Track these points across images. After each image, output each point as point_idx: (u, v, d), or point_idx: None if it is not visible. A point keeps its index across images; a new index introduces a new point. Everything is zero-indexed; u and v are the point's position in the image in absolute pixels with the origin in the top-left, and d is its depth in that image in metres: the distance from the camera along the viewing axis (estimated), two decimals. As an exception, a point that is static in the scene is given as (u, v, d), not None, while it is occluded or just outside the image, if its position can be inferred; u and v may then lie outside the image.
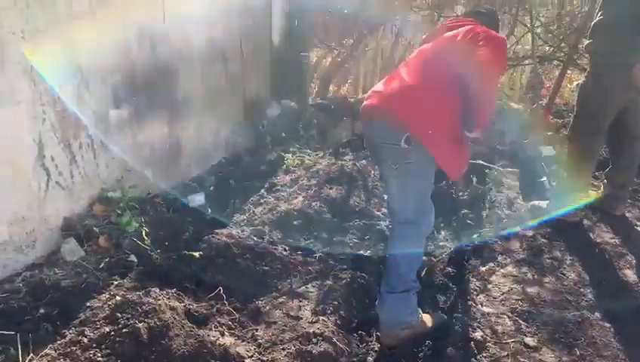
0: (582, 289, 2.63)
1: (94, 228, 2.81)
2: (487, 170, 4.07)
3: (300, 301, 2.50)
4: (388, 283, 2.39)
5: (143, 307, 2.04)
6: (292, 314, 2.40)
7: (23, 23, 2.53)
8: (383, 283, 2.41)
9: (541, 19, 4.95)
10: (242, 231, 2.96)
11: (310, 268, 2.75)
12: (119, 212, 2.88)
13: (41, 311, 2.24)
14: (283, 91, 5.25)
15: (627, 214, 3.41)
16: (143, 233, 2.70)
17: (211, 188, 3.82)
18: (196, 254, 2.60)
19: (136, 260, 2.62)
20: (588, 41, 3.18)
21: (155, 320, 1.99)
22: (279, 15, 5.10)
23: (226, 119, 4.49)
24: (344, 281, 2.66)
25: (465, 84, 2.22)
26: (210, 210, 3.38)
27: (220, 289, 2.42)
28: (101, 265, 2.61)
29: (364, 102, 2.43)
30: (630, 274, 2.78)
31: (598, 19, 3.07)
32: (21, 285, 2.44)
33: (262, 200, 3.42)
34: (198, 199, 3.52)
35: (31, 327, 2.11)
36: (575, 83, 4.92)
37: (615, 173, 3.37)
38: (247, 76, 4.73)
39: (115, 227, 2.84)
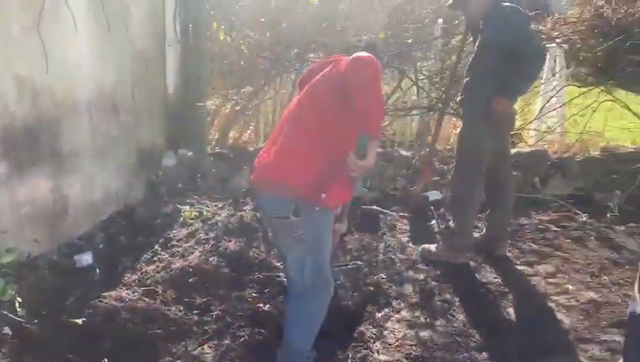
0: (470, 331, 2.77)
1: (-39, 300, 2.54)
2: (381, 215, 4.23)
3: (196, 364, 2.40)
4: (284, 353, 2.39)
5: (16, 388, 1.85)
6: (186, 379, 2.29)
7: None
8: (280, 352, 2.40)
9: (424, 72, 5.31)
10: (133, 293, 2.81)
11: (207, 327, 2.66)
12: (-8, 279, 2.62)
13: None
14: (180, 140, 5.15)
15: (508, 254, 3.66)
16: (17, 303, 2.47)
17: (101, 245, 3.61)
18: (79, 321, 2.41)
19: (10, 332, 2.39)
20: (460, 98, 3.55)
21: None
22: (174, 63, 5.06)
23: (118, 171, 4.31)
24: (242, 339, 2.60)
25: (348, 99, 2.10)
26: (98, 271, 3.19)
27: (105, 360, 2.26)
28: (-32, 341, 2.35)
29: (254, 172, 2.36)
30: (512, 313, 2.97)
31: (466, 79, 3.43)
32: None
33: (155, 258, 3.29)
34: (85, 259, 3.31)
35: None
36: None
37: (494, 215, 3.63)
38: (140, 126, 4.60)
39: (-14, 296, 2.58)
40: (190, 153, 5.05)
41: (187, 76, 5.14)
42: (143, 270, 3.14)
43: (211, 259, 3.17)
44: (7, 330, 2.39)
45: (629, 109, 4.85)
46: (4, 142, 3.06)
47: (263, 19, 5.43)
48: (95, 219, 4.02)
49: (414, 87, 5.34)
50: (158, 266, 3.15)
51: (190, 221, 3.91)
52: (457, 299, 3.08)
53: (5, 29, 2.99)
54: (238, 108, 5.55)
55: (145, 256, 3.35)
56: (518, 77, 3.17)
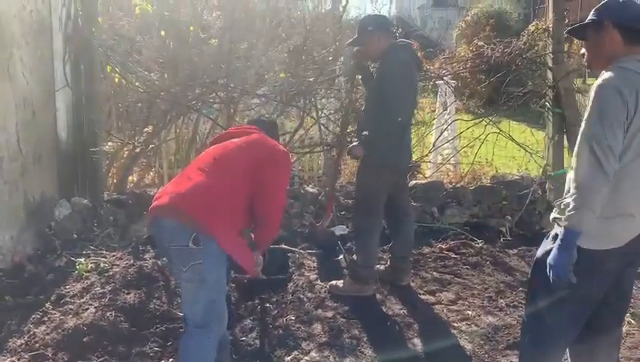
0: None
1: None
2: (289, 254, 4.21)
3: None
4: None
5: None
6: None
7: None
8: None
9: (325, 111, 5.45)
10: (19, 359, 2.57)
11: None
12: None
13: None
14: (74, 189, 4.88)
15: (412, 283, 3.77)
16: None
17: (-17, 309, 3.28)
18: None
19: None
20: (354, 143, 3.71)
21: None
22: (65, 108, 4.81)
23: (4, 225, 3.98)
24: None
25: (254, 203, 2.41)
26: (-21, 338, 2.88)
27: None
28: None
29: (153, 203, 2.37)
30: (418, 344, 3.04)
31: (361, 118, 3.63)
32: None
33: (45, 318, 3.03)
34: (-37, 326, 2.99)
35: None
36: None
37: (395, 247, 3.75)
38: (28, 175, 4.30)
39: None
40: (85, 201, 4.78)
41: (80, 121, 4.91)
42: (31, 332, 2.88)
43: (108, 314, 2.98)
44: None
45: (512, 139, 5.26)
46: None
47: (161, 60, 5.34)
48: (-24, 280, 3.66)
49: (316, 125, 5.45)
50: (48, 327, 2.91)
51: (86, 274, 3.67)
52: (365, 335, 3.10)
53: None
54: (137, 150, 5.36)
55: (34, 316, 3.08)
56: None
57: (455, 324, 3.24)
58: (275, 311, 3.31)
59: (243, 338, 3.05)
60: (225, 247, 2.27)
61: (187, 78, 5.22)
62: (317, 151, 5.60)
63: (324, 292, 3.58)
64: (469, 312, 3.38)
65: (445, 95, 6.19)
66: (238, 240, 2.38)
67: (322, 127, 5.22)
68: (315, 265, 4.03)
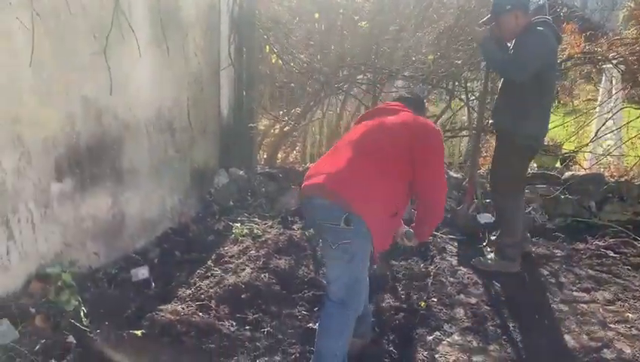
0: (525, 357, 2.69)
1: (30, 308, 2.68)
2: (430, 238, 4.19)
3: (248, 379, 2.44)
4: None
5: (81, 394, 1.94)
6: (239, 394, 2.33)
7: (-35, 96, 2.49)
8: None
9: (475, 93, 5.27)
10: (188, 307, 2.89)
11: (258, 343, 2.70)
12: (57, 289, 2.75)
13: (-33, 402, 2.08)
14: (231, 160, 5.29)
15: (563, 279, 3.55)
16: (82, 312, 2.57)
17: (156, 260, 3.72)
18: (138, 333, 2.50)
19: (74, 341, 2.49)
20: (491, 121, 3.70)
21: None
22: (227, 87, 5.22)
23: (173, 189, 4.46)
24: (293, 357, 2.62)
25: (415, 185, 2.39)
26: (154, 285, 3.29)
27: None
28: (36, 348, 2.47)
29: (306, 181, 2.43)
30: (569, 340, 2.88)
31: (496, 102, 3.56)
32: (-55, 373, 2.27)
33: (208, 273, 3.37)
34: (141, 273, 3.42)
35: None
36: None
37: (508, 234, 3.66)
38: (194, 146, 4.75)
39: (53, 306, 2.71)
40: (241, 172, 5.17)
41: (239, 98, 5.29)
42: (197, 285, 3.22)
43: (262, 276, 3.23)
44: (71, 339, 2.50)
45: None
46: (70, 160, 3.23)
47: (312, 42, 5.56)
48: (150, 235, 4.16)
49: (464, 108, 5.30)
50: (211, 281, 3.23)
51: (241, 238, 3.99)
52: (511, 325, 3.01)
53: (75, 53, 3.17)
54: (286, 129, 5.66)
55: (199, 271, 3.43)
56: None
57: (612, 326, 3.01)
58: (417, 292, 3.32)
59: (386, 314, 3.12)
60: (370, 228, 2.27)
61: (337, 59, 5.39)
62: (462, 136, 5.44)
63: (467, 278, 3.52)
64: (629, 315, 3.11)
65: (611, 81, 5.65)
66: (385, 225, 2.38)
67: (471, 110, 5.05)
68: (456, 250, 3.97)
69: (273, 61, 5.62)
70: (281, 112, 5.85)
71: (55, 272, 2.92)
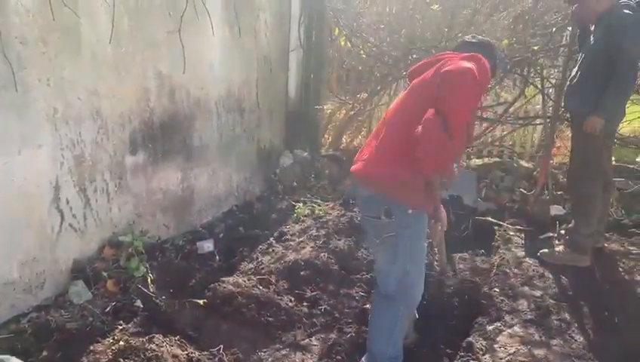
0: (590, 354, 2.57)
1: (103, 272, 2.84)
2: (495, 227, 4.07)
3: (303, 354, 2.49)
4: (367, 358, 2.37)
5: (146, 353, 2.05)
6: (294, 367, 2.38)
7: (50, 70, 2.66)
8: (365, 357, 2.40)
9: (552, 80, 5.02)
10: (249, 280, 2.97)
11: (315, 320, 2.74)
12: (128, 256, 2.90)
13: (44, 353, 2.24)
14: (296, 141, 5.35)
15: (638, 277, 3.35)
16: (149, 279, 2.71)
17: (221, 235, 3.85)
18: (201, 302, 2.60)
19: (141, 305, 2.63)
20: (568, 100, 3.49)
21: (157, 367, 1.99)
22: (295, 68, 5.26)
23: (240, 167, 4.57)
24: (349, 336, 2.64)
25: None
26: (218, 258, 3.40)
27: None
28: (107, 309, 2.63)
29: (353, 167, 2.28)
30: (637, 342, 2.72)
31: (575, 81, 3.35)
32: (27, 326, 2.46)
33: (270, 249, 3.44)
34: (207, 246, 3.55)
35: (32, 370, 2.12)
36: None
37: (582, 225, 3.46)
38: (261, 126, 4.84)
39: (123, 271, 2.87)
40: (305, 154, 5.22)
41: (307, 80, 5.32)
42: (259, 260, 3.30)
43: (322, 254, 3.25)
44: (138, 303, 2.64)
45: None
46: (143, 135, 3.38)
47: (382, 26, 5.48)
48: (217, 211, 4.30)
49: (538, 96, 5.07)
50: (272, 257, 3.30)
51: (303, 217, 4.05)
52: (577, 321, 2.87)
53: (151, 31, 3.30)
54: (352, 113, 5.63)
55: (261, 247, 3.52)
56: (610, 92, 3.06)
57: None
58: (479, 282, 3.24)
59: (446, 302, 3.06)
60: (421, 209, 2.11)
61: (407, 43, 5.29)
62: (536, 124, 5.20)
63: (533, 270, 3.39)
64: None
65: None
66: (426, 195, 2.10)
67: (546, 97, 4.81)
68: (523, 242, 3.83)
69: (342, 44, 5.60)
70: (347, 96, 5.82)
71: (127, 240, 3.09)
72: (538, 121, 5.17)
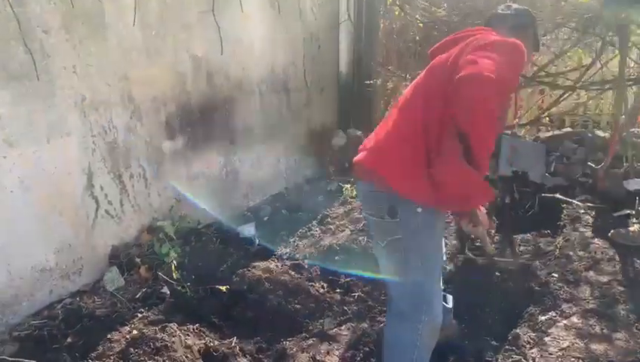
0: (661, 351, 2.21)
1: (136, 258, 2.85)
2: (564, 205, 3.67)
3: (330, 344, 2.34)
4: None
5: (156, 343, 1.99)
6: (318, 358, 2.24)
7: (75, 58, 2.66)
8: None
9: (633, 39, 4.43)
10: (282, 265, 2.86)
11: (346, 308, 2.58)
12: (160, 241, 2.89)
13: (69, 340, 2.26)
14: (350, 120, 5.16)
15: None
16: (173, 265, 2.66)
17: (265, 218, 3.77)
18: (223, 288, 2.52)
19: (168, 292, 2.60)
20: None
21: (165, 358, 1.93)
22: (346, 43, 5.05)
23: (288, 149, 4.47)
24: (381, 325, 2.45)
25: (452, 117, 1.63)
26: (257, 242, 3.32)
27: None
28: (137, 295, 2.62)
29: (356, 156, 1.93)
30: None
31: None
32: (59, 312, 2.50)
33: (309, 233, 3.32)
34: (248, 230, 3.49)
35: (52, 357, 2.13)
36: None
37: None
38: (311, 106, 4.70)
39: (156, 257, 2.86)
40: (359, 132, 5.01)
41: (359, 55, 5.09)
42: (296, 244, 3.18)
43: (360, 238, 3.07)
44: (165, 289, 2.61)
45: None
46: (181, 119, 3.35)
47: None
48: (264, 194, 4.23)
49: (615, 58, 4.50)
50: (309, 241, 3.17)
51: (350, 199, 3.88)
52: (651, 311, 2.49)
53: (183, 13, 3.23)
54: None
55: (301, 230, 3.40)
56: None
57: None
58: (537, 267, 2.92)
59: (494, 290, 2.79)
60: (434, 207, 1.74)
61: (467, 7, 4.89)
62: (610, 89, 4.63)
63: (601, 253, 3.00)
64: None
65: None
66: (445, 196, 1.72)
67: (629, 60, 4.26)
68: (593, 220, 3.41)
69: (397, 14, 5.28)
70: (407, 70, 5.51)
71: (165, 226, 3.08)
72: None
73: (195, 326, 2.27)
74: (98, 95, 2.81)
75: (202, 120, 3.53)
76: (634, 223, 3.21)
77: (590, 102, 5.00)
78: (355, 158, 1.90)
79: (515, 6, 2.03)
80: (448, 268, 2.93)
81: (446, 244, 2.97)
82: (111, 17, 2.82)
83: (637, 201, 3.51)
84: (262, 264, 2.83)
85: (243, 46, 3.79)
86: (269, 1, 3.94)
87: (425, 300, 1.82)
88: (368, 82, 4.89)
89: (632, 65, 4.52)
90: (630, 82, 4.44)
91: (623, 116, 3.92)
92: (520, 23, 1.91)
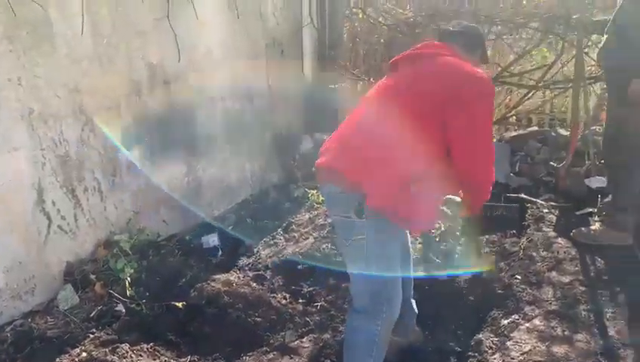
0: (620, 351, 2.21)
1: (91, 275, 2.75)
2: (528, 205, 3.68)
3: (291, 357, 2.30)
4: None
5: (106, 366, 1.91)
6: (278, 372, 2.18)
7: (20, 69, 2.55)
8: None
9: (592, 38, 4.48)
10: (243, 277, 2.80)
11: (308, 319, 2.54)
12: (115, 257, 2.80)
13: (16, 364, 2.16)
14: (316, 124, 5.11)
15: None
16: (127, 282, 2.58)
17: (230, 227, 3.69)
18: (179, 304, 2.45)
19: (123, 310, 2.51)
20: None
21: (114, 381, 1.85)
22: (311, 47, 5.00)
23: (253, 156, 4.40)
24: (343, 336, 2.40)
25: (452, 157, 1.86)
26: (220, 252, 3.25)
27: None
28: (92, 314, 2.53)
29: (318, 159, 2.00)
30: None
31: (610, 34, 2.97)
32: (9, 335, 2.39)
33: (272, 241, 3.26)
34: (211, 240, 3.41)
35: (-3, 384, 2.04)
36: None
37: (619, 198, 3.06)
38: (275, 111, 4.63)
39: (112, 273, 2.76)
40: (326, 136, 4.95)
41: (323, 59, 5.05)
42: (259, 254, 3.12)
43: (324, 246, 3.03)
44: (120, 307, 2.52)
45: None
46: (138, 129, 3.25)
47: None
48: (230, 202, 4.15)
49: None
50: (272, 250, 3.11)
51: (317, 205, 3.83)
52: (610, 311, 2.49)
53: (137, 19, 3.15)
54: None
55: (265, 239, 3.34)
56: None
57: None
58: (499, 268, 2.91)
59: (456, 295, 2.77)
60: (388, 212, 1.80)
61: (431, 9, 4.90)
62: (568, 88, 4.69)
63: (564, 252, 3.01)
64: None
65: None
66: (407, 201, 1.82)
67: (585, 57, 4.30)
68: (556, 219, 3.43)
69: (360, 16, 5.27)
70: (370, 73, 5.49)
71: (122, 240, 2.99)
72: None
73: (149, 346, 2.20)
74: (47, 107, 2.70)
75: (160, 129, 3.43)
76: (595, 221, 3.24)
77: (556, 100, 5.04)
78: (321, 161, 1.95)
79: (464, 23, 2.16)
80: (414, 271, 2.90)
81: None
82: (59, 26, 2.72)
83: (599, 199, 3.55)
84: (223, 276, 2.76)
85: (202, 52, 3.72)
86: (227, 6, 3.87)
87: (385, 298, 1.92)
88: (333, 86, 4.86)
89: (592, 63, 4.57)
90: (590, 80, 4.50)
91: (584, 114, 3.95)
92: (470, 42, 2.05)
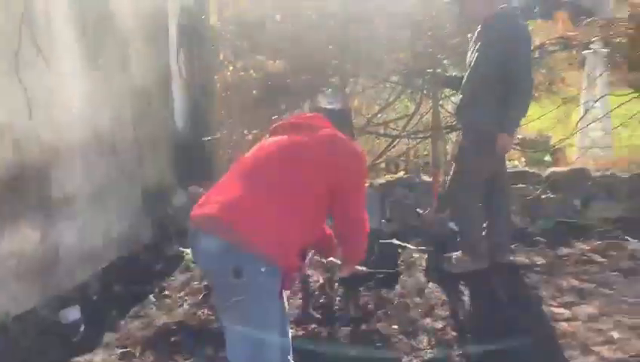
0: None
1: None
2: (400, 250, 3.83)
3: None
4: None
5: None
6: None
7: None
8: None
9: (446, 92, 4.89)
10: (109, 356, 2.53)
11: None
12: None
13: None
14: (191, 177, 4.94)
15: (543, 293, 3.17)
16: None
17: (94, 297, 3.38)
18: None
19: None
20: (459, 107, 3.44)
21: None
22: (181, 99, 4.88)
23: (121, 214, 4.11)
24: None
25: (334, 218, 2.04)
26: (82, 328, 2.94)
27: None
28: None
29: (196, 210, 1.89)
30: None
31: (467, 88, 3.30)
32: None
33: (142, 312, 3.02)
34: (72, 314, 3.08)
35: None
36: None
37: (492, 224, 3.48)
38: (144, 165, 4.41)
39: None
40: (201, 189, 4.81)
41: (195, 109, 4.95)
42: (127, 327, 2.86)
43: (200, 312, 2.87)
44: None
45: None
46: (-18, 193, 2.89)
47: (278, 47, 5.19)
48: (94, 268, 3.79)
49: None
50: (142, 322, 2.88)
51: (192, 265, 3.65)
52: (481, 352, 2.62)
53: (-23, 76, 2.83)
54: (250, 139, 5.29)
55: (134, 309, 3.09)
56: (514, 109, 3.10)
57: (594, 348, 2.61)
58: (378, 319, 2.95)
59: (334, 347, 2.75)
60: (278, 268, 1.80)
61: (300, 65, 5.02)
62: (427, 137, 5.06)
63: (435, 297, 3.15)
64: (615, 334, 2.71)
65: (593, 66, 5.27)
66: (292, 263, 1.88)
67: (441, 108, 4.67)
68: (426, 264, 3.60)
69: (231, 68, 5.26)
70: (244, 126, 5.47)
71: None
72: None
73: None
74: None
75: (9, 192, 3.08)
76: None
77: (419, 145, 5.38)
78: (203, 210, 1.84)
79: (337, 106, 2.46)
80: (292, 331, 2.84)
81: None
82: None
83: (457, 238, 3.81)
84: (85, 358, 2.48)
85: (57, 107, 3.43)
86: (86, 56, 3.64)
87: (268, 359, 1.84)
88: (207, 138, 4.76)
89: (447, 114, 4.96)
90: (446, 130, 4.89)
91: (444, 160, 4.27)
92: (340, 123, 2.19)
